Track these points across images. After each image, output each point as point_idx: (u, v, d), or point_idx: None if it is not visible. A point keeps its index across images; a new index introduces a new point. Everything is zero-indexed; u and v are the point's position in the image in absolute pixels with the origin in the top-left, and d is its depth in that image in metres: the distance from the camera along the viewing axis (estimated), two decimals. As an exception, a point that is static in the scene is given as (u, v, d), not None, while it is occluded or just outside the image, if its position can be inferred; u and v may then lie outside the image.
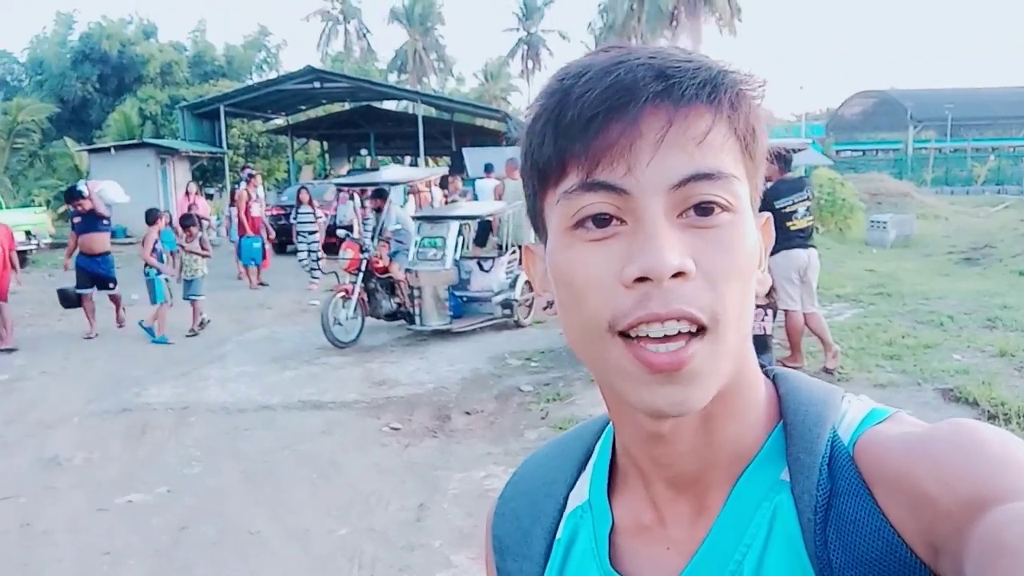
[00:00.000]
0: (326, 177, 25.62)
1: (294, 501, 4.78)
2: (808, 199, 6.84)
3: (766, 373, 0.67)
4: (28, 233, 17.02)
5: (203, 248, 9.67)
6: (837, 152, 40.37)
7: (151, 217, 9.41)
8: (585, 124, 0.56)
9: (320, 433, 5.95)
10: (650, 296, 0.54)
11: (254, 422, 6.23)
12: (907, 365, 6.72)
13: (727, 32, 38.59)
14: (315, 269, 12.86)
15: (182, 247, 9.63)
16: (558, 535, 0.72)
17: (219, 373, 7.70)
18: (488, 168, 13.79)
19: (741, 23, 38.72)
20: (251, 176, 14.03)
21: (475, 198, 13.05)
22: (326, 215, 14.79)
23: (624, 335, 0.55)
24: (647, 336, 0.54)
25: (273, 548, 4.20)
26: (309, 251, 12.96)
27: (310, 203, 13.14)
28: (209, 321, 9.74)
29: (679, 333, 0.54)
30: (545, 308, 0.67)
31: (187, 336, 9.27)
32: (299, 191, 13.32)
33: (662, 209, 0.55)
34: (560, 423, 5.72)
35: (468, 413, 6.22)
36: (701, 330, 0.54)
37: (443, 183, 15.10)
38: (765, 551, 0.59)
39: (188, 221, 9.79)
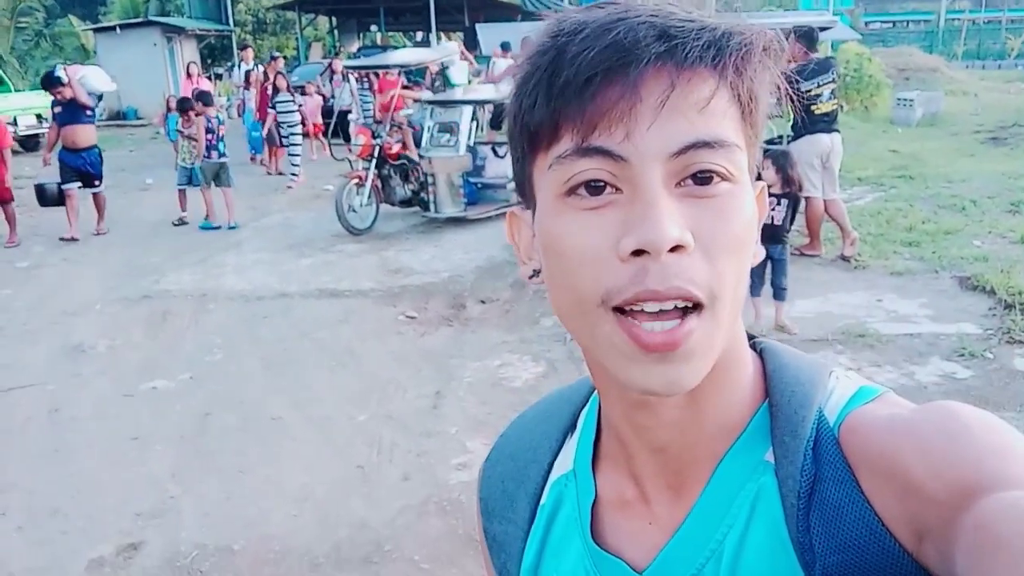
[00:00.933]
0: (336, 54, 24.98)
1: (313, 388, 4.90)
2: (834, 81, 6.63)
3: (753, 346, 0.65)
4: (39, 116, 16.82)
5: (206, 132, 9.27)
6: (866, 24, 38.79)
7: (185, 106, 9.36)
8: (581, 85, 0.52)
9: (337, 321, 6.03)
10: (647, 270, 0.51)
11: (272, 309, 6.31)
12: (925, 252, 6.66)
13: None
14: (295, 166, 11.60)
15: (180, 132, 9.35)
16: (542, 501, 0.72)
17: (235, 260, 7.75)
18: (505, 46, 13.34)
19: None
20: (274, 58, 13.39)
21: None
22: (324, 98, 14.09)
23: (617, 310, 0.53)
24: (641, 311, 0.52)
25: (294, 434, 4.33)
26: (291, 144, 11.69)
27: (288, 89, 11.73)
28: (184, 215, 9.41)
29: (675, 308, 0.52)
30: (531, 277, 0.64)
31: (175, 224, 9.26)
32: (275, 76, 11.90)
33: (660, 177, 0.52)
34: (574, 311, 5.75)
35: (483, 301, 6.26)
36: (697, 306, 0.52)
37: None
38: (747, 532, 0.59)
39: (186, 104, 9.40)
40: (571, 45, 0.53)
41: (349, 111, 12.65)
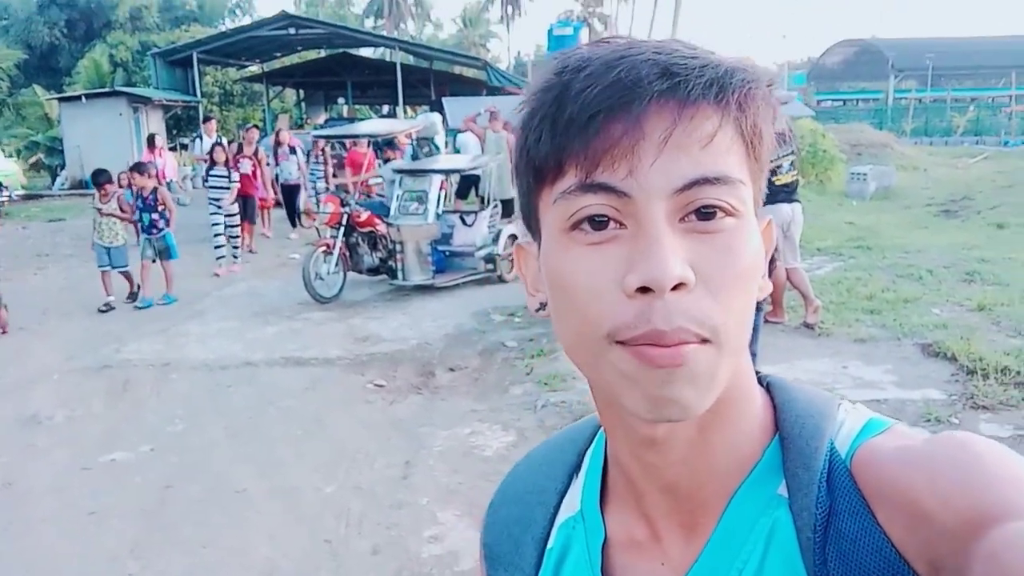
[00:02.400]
0: (302, 126, 25.21)
1: (279, 458, 4.78)
2: (793, 153, 6.82)
3: (760, 381, 0.65)
4: (0, 184, 16.66)
5: (121, 210, 8.57)
6: (818, 102, 40.27)
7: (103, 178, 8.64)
8: (585, 122, 0.53)
9: (304, 390, 5.94)
10: (652, 308, 0.51)
11: (237, 379, 6.20)
12: (887, 319, 6.78)
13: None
14: (221, 247, 10.31)
15: (98, 209, 8.51)
16: (549, 544, 0.70)
17: (199, 329, 7.64)
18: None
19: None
20: (247, 128, 12.94)
21: (456, 151, 12.89)
22: (270, 165, 12.59)
23: (622, 342, 0.53)
24: (646, 344, 0.52)
25: (259, 506, 4.21)
26: (226, 225, 10.34)
27: (226, 163, 10.44)
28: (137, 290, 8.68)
29: (680, 342, 0.52)
30: (537, 310, 0.64)
31: (127, 303, 8.55)
32: (212, 147, 10.69)
33: (664, 213, 0.53)
34: (545, 379, 5.74)
35: (452, 369, 6.22)
36: (703, 341, 0.53)
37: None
38: (762, 567, 0.58)
39: (101, 177, 8.62)
40: (575, 82, 0.54)
41: (296, 185, 12.44)
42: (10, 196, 17.22)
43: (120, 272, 8.58)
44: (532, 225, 0.61)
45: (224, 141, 12.87)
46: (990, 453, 0.52)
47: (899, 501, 0.53)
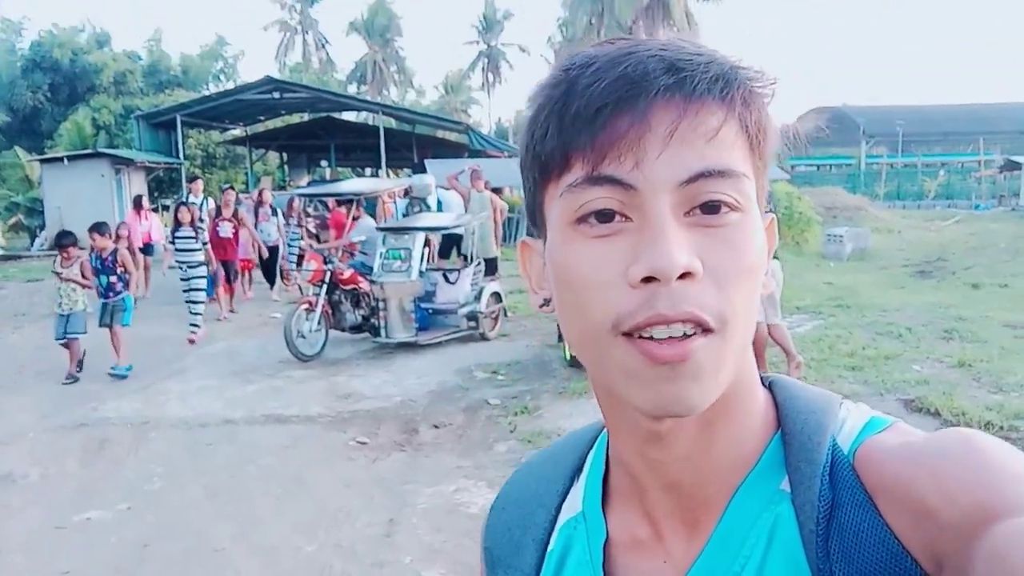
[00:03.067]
0: (284, 188, 25.34)
1: (259, 517, 4.68)
2: (771, 211, 6.93)
3: (762, 381, 0.65)
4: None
5: (84, 276, 7.89)
6: (792, 167, 41.06)
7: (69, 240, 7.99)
8: (592, 116, 0.54)
9: (285, 447, 5.84)
10: (657, 296, 0.52)
11: (216, 437, 6.10)
12: (869, 376, 6.83)
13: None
14: (195, 314, 9.60)
15: (57, 274, 7.87)
16: (550, 546, 0.70)
17: (179, 387, 7.53)
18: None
19: (698, 39, 39.26)
20: (224, 190, 12.35)
21: (439, 208, 12.98)
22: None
23: (628, 335, 0.53)
24: (651, 337, 0.53)
25: (238, 566, 4.10)
26: (191, 288, 9.71)
27: (191, 224, 9.86)
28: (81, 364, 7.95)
29: (684, 335, 0.52)
30: (541, 307, 0.65)
31: (64, 383, 7.66)
32: (176, 207, 10.35)
33: (669, 206, 0.53)
34: (529, 436, 5.69)
35: (436, 427, 6.16)
36: (707, 331, 0.53)
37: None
38: (764, 562, 0.58)
39: (65, 240, 7.96)
40: (582, 78, 0.55)
41: (275, 247, 12.34)
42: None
43: (70, 338, 7.83)
44: (537, 222, 0.62)
45: (211, 202, 12.83)
46: (994, 450, 0.52)
47: (903, 496, 0.53)
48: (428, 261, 9.51)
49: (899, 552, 0.53)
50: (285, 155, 32.85)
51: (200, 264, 9.80)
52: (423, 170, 20.12)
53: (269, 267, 12.42)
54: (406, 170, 27.57)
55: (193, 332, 9.49)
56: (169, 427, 6.33)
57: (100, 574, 4.02)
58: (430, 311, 9.06)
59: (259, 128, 30.04)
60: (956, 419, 5.51)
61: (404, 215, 11.29)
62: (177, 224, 9.89)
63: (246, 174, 30.01)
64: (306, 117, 29.71)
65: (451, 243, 11.35)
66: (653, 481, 0.62)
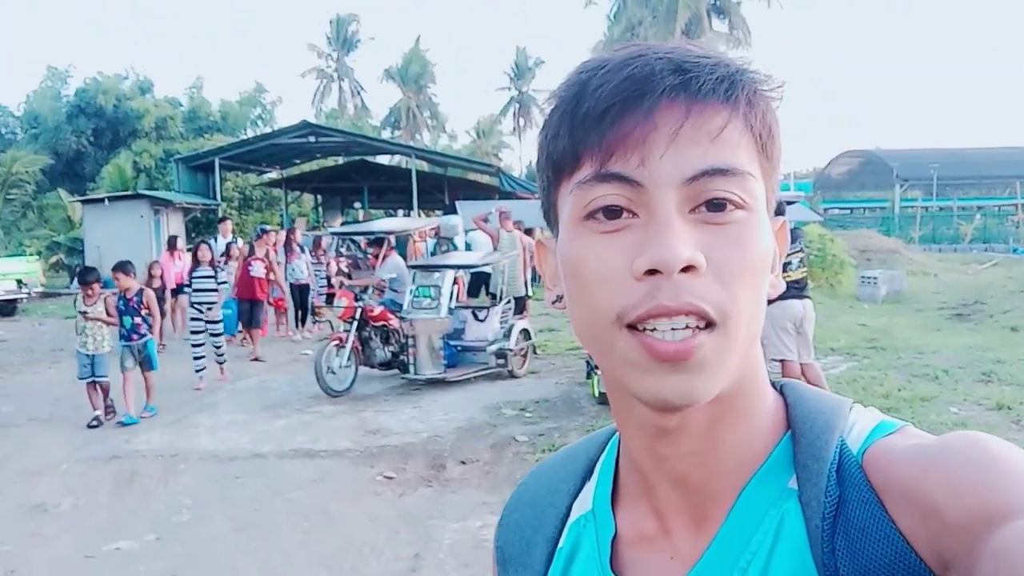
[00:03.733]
0: (317, 229, 25.67)
1: (286, 551, 4.68)
2: (801, 251, 6.90)
3: (772, 384, 0.66)
4: (19, 282, 16.95)
5: (108, 314, 7.59)
6: (825, 210, 40.84)
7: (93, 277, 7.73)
8: (600, 116, 0.56)
9: (312, 482, 5.85)
10: (660, 288, 0.53)
11: (245, 470, 6.12)
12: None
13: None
14: (201, 358, 9.03)
15: (83, 313, 7.56)
16: (560, 544, 0.71)
17: (210, 421, 7.59)
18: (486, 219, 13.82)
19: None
20: (264, 232, 12.29)
21: (467, 248, 13.08)
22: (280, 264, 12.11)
23: (632, 327, 0.55)
24: (655, 330, 0.54)
25: (264, 598, 4.09)
26: (210, 333, 9.25)
27: (211, 263, 9.44)
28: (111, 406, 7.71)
29: (687, 327, 0.54)
30: (554, 303, 0.67)
31: (91, 426, 7.38)
32: (196, 246, 9.86)
33: (674, 203, 0.55)
34: (557, 472, 5.64)
35: (463, 462, 6.13)
36: (710, 325, 0.54)
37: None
38: (770, 559, 0.58)
39: (89, 277, 7.71)
40: (593, 80, 0.57)
41: (306, 285, 12.51)
42: (29, 293, 17.45)
43: (99, 382, 7.59)
44: (551, 220, 0.63)
45: (239, 242, 12.93)
46: (1003, 451, 0.52)
47: (911, 495, 0.53)
48: (457, 299, 9.56)
49: (905, 550, 0.53)
50: (319, 197, 33.35)
51: (213, 306, 9.27)
52: (454, 211, 20.38)
53: (300, 305, 12.57)
54: (438, 212, 27.87)
55: (201, 379, 8.99)
56: (198, 460, 6.37)
57: (127, 603, 4.04)
58: (459, 348, 9.09)
59: (295, 171, 30.58)
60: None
61: (432, 254, 11.41)
62: (196, 263, 9.50)
63: (281, 215, 30.50)
64: (340, 160, 30.24)
65: (480, 282, 11.41)
66: (661, 477, 0.63)
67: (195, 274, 9.45)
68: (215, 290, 9.34)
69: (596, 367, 7.37)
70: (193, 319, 9.35)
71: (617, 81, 0.55)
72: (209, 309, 9.24)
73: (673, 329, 0.53)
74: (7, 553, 4.66)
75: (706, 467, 0.61)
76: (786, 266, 6.55)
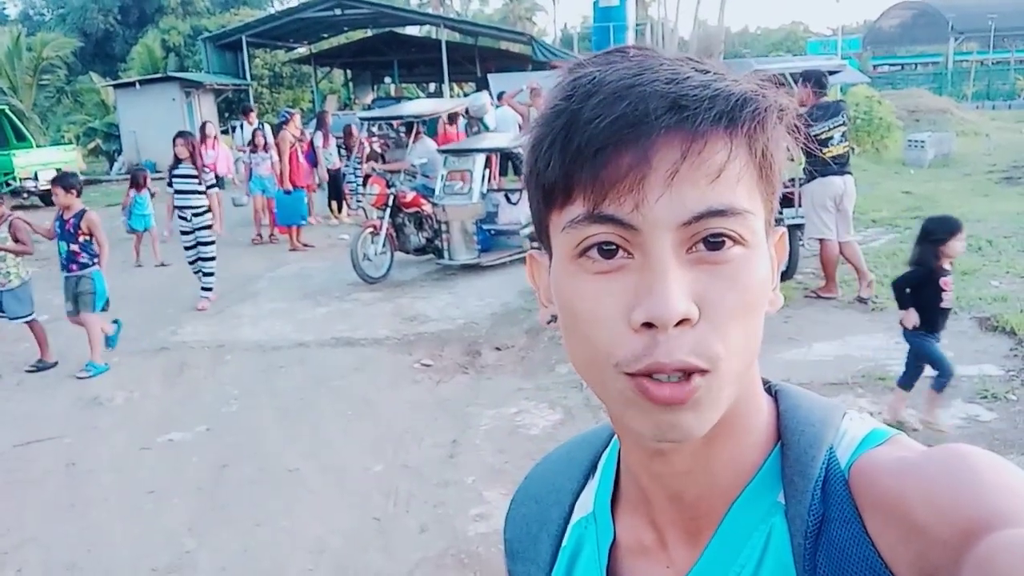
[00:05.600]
0: (349, 106, 25.38)
1: (329, 438, 4.88)
2: (844, 124, 6.66)
3: (768, 389, 0.66)
4: (60, 171, 17.17)
5: (16, 239, 6.17)
6: (874, 67, 39.13)
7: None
8: (594, 153, 0.54)
9: (353, 370, 6.03)
10: (656, 343, 0.53)
11: (288, 359, 6.32)
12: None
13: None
14: (209, 275, 7.96)
15: None
16: (564, 543, 0.73)
17: (252, 311, 7.79)
18: (500, 95, 13.41)
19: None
20: (290, 115, 11.76)
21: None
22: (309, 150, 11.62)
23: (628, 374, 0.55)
24: (651, 376, 0.54)
25: (310, 485, 4.30)
26: (197, 241, 7.84)
27: (192, 157, 7.71)
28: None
29: (680, 379, 0.54)
30: (549, 322, 0.67)
31: (28, 370, 6.31)
32: (175, 138, 7.80)
33: (671, 245, 0.54)
34: (590, 357, 5.73)
35: (498, 348, 6.25)
36: (703, 371, 0.54)
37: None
38: (757, 573, 0.59)
39: None
40: (584, 110, 0.54)
41: (339, 170, 12.44)
42: (71, 182, 17.66)
43: (25, 323, 6.33)
44: (543, 239, 0.62)
45: (266, 128, 12.72)
46: (985, 464, 0.52)
47: (893, 512, 0.53)
48: (489, 182, 9.47)
49: (881, 571, 0.53)
50: (349, 72, 32.80)
51: (205, 211, 7.75)
52: (486, 84, 19.90)
53: (334, 190, 12.57)
54: (470, 84, 27.24)
55: (205, 296, 7.95)
56: (243, 351, 6.58)
57: (182, 493, 4.28)
58: (492, 232, 9.08)
59: (323, 46, 29.99)
60: (1033, 339, 5.31)
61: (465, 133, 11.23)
62: (176, 160, 7.74)
63: (312, 92, 30.14)
64: (369, 33, 29.50)
65: (506, 162, 11.23)
66: (657, 491, 0.65)
67: (175, 172, 7.76)
68: (201, 192, 7.72)
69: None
70: (183, 232, 7.91)
71: (611, 118, 0.53)
72: (196, 215, 7.75)
73: (668, 379, 0.54)
74: (68, 446, 4.94)
75: (700, 484, 0.62)
76: (827, 141, 6.42)
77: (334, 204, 12.87)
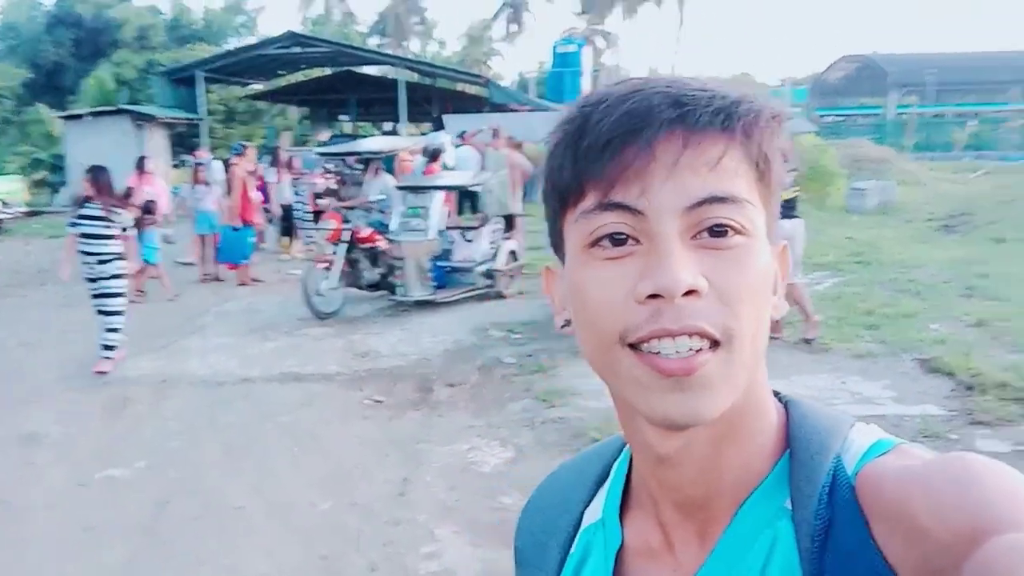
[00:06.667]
0: (304, 143, 25.29)
1: (276, 475, 4.78)
2: (795, 169, 6.84)
3: (779, 399, 0.68)
4: (3, 202, 16.77)
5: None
6: (820, 117, 40.33)
7: None
8: (601, 148, 0.58)
9: (301, 405, 5.93)
10: (662, 312, 0.55)
11: (234, 395, 6.20)
12: (886, 335, 6.78)
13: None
14: (109, 330, 6.72)
15: None
16: (572, 550, 0.74)
17: (198, 345, 7.65)
18: (463, 135, 13.50)
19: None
20: (244, 147, 11.61)
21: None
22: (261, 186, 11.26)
23: (636, 347, 0.57)
24: (659, 353, 0.56)
25: (255, 523, 4.20)
26: (99, 310, 6.73)
27: (103, 197, 6.60)
28: None
29: (690, 349, 0.56)
30: (563, 327, 0.69)
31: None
32: (85, 174, 6.86)
33: (676, 230, 0.57)
34: (543, 395, 5.74)
35: (451, 385, 6.22)
36: (715, 344, 0.56)
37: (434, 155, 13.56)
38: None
39: None
40: (594, 114, 0.59)
41: (290, 205, 12.33)
42: (13, 213, 17.28)
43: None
44: (558, 247, 0.66)
45: (214, 163, 12.39)
46: (988, 471, 0.53)
47: (897, 517, 0.54)
48: (447, 219, 9.50)
49: (886, 574, 0.54)
50: (306, 110, 32.76)
51: (115, 258, 6.64)
52: (442, 125, 20.05)
53: (288, 225, 12.47)
54: (427, 124, 27.40)
55: (107, 356, 6.74)
56: (188, 385, 6.44)
57: (121, 530, 4.14)
58: (448, 269, 9.08)
59: (280, 83, 29.92)
60: (972, 380, 5.46)
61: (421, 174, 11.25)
62: (85, 199, 6.68)
63: (267, 129, 30.01)
64: (327, 72, 29.57)
65: (466, 200, 11.30)
66: (665, 496, 0.66)
67: (82, 211, 6.63)
68: (108, 237, 6.59)
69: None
70: (87, 279, 6.72)
71: (618, 115, 0.58)
72: (103, 262, 6.59)
73: (677, 351, 0.56)
74: (1, 483, 4.75)
75: (708, 488, 0.64)
76: (774, 186, 6.57)
77: (285, 239, 12.78)
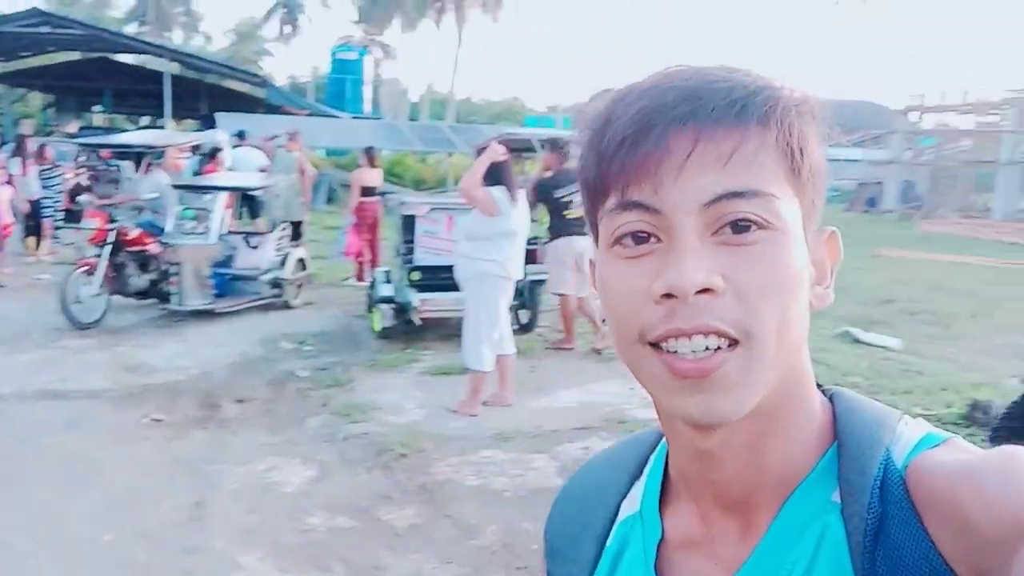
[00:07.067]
0: (49, 134, 22.86)
1: (45, 506, 4.21)
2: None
3: (823, 390, 0.67)
4: None
5: None
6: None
7: None
8: (617, 147, 0.58)
9: (67, 426, 5.29)
10: (676, 311, 0.55)
11: (-18, 416, 5.41)
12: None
13: (490, 19, 39.57)
14: None
15: None
16: (608, 543, 0.72)
17: (-70, 358, 6.61)
18: (241, 135, 12.85)
19: (503, 10, 40.03)
20: None
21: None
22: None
23: (655, 345, 0.57)
24: (676, 352, 0.56)
25: (25, 561, 3.67)
26: None
27: None
28: None
29: (707, 348, 0.55)
30: (603, 320, 0.67)
31: None
32: None
33: (694, 227, 0.56)
34: (343, 410, 5.55)
35: (240, 401, 5.83)
36: (733, 343, 0.55)
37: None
38: (811, 570, 0.59)
39: None
40: (615, 112, 0.60)
41: (38, 201, 11.20)
42: None
43: None
44: (596, 240, 0.65)
45: None
46: None
47: (947, 511, 0.54)
48: (229, 223, 8.95)
49: (941, 567, 0.54)
50: (52, 97, 29.61)
51: None
52: (212, 123, 18.94)
53: (34, 223, 11.16)
54: (195, 122, 25.81)
55: None
56: (-78, 405, 5.54)
57: None
58: (229, 277, 8.53)
59: (20, 64, 26.81)
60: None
61: (196, 173, 10.53)
62: None
63: (1, 116, 26.76)
64: (78, 56, 26.93)
65: (246, 204, 10.73)
66: (705, 490, 0.65)
67: None
68: None
69: (378, 301, 7.27)
70: None
71: (632, 113, 0.58)
72: None
73: (693, 351, 0.55)
74: None
75: (750, 483, 0.62)
76: (569, 204, 6.84)
77: (31, 239, 11.44)
